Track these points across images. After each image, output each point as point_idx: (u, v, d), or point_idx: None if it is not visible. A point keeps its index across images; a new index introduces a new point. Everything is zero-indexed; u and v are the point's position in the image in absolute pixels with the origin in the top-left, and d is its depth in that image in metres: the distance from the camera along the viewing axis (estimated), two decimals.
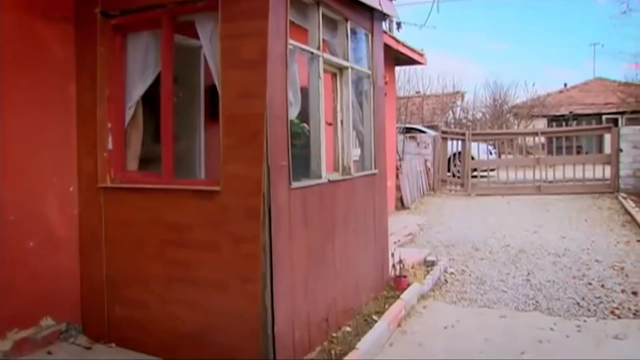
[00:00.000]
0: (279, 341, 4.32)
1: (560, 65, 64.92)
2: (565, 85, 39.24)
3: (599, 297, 6.63)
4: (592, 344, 5.28)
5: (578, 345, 5.27)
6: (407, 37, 15.29)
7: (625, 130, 17.26)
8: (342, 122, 5.83)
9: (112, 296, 5.01)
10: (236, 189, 4.30)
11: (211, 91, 6.14)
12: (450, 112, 32.22)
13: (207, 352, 4.44)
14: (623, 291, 6.90)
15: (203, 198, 4.46)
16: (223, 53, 4.33)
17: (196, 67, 6.29)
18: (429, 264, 7.87)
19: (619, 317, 6.03)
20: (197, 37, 4.87)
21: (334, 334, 5.24)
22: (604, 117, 32.49)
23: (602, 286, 7.07)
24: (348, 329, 5.43)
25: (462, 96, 33.90)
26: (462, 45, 61.46)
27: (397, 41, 11.32)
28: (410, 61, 13.70)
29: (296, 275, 4.65)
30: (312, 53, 5.06)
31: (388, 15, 6.75)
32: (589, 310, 6.25)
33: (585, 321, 5.90)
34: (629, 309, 6.26)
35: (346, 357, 4.58)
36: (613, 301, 6.52)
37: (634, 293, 6.79)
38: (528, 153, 19.82)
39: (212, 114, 6.24)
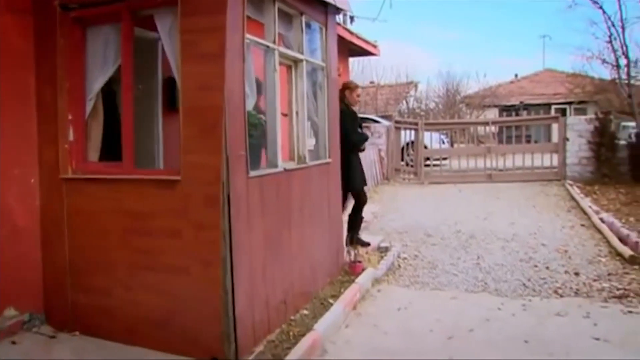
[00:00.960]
0: (239, 323, 4.50)
1: (512, 56, 66.15)
2: (516, 75, 40.13)
3: (543, 278, 6.97)
4: (535, 321, 5.59)
5: (523, 322, 5.58)
6: (362, 29, 15.53)
7: (571, 120, 17.83)
8: (297, 112, 6.00)
9: (75, 285, 5.09)
10: (196, 178, 4.46)
11: (169, 83, 6.30)
12: (404, 102, 32.63)
13: (171, 335, 4.59)
14: (566, 272, 7.26)
15: (164, 187, 4.60)
16: (182, 47, 4.47)
17: (154, 59, 6.40)
18: (382, 250, 8.14)
19: (561, 296, 6.37)
20: (155, 29, 5.00)
21: (292, 317, 5.45)
22: (553, 107, 33.40)
23: (547, 268, 7.42)
24: (305, 312, 5.64)
25: (416, 86, 34.39)
26: (416, 36, 62.21)
27: (351, 33, 11.55)
28: (364, 52, 13.96)
29: (255, 260, 4.84)
30: (268, 46, 5.22)
31: (341, 9, 6.94)
32: (534, 290, 6.58)
33: (530, 300, 6.23)
34: (571, 288, 6.62)
35: (304, 338, 4.79)
36: (556, 281, 6.87)
37: (576, 274, 7.16)
38: (480, 142, 20.28)
39: (169, 105, 6.40)
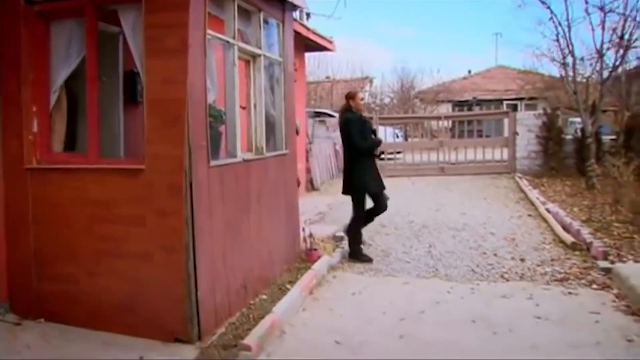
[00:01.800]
0: (202, 306, 4.73)
1: (466, 52, 67.06)
2: (470, 71, 40.89)
3: (491, 264, 7.32)
4: (483, 303, 5.93)
5: (471, 304, 5.90)
6: (318, 24, 15.67)
7: (520, 115, 18.45)
8: (255, 105, 6.22)
9: (40, 273, 5.21)
10: (160, 167, 4.65)
11: (129, 76, 6.43)
12: None
13: (136, 319, 4.77)
14: (512, 259, 7.63)
15: (128, 176, 4.78)
16: (146, 42, 4.65)
17: (114, 52, 6.52)
18: (337, 239, 8.40)
19: (507, 280, 6.72)
20: (116, 23, 5.16)
21: (252, 301, 5.69)
22: (504, 102, 34.11)
23: (495, 255, 7.78)
24: (264, 296, 5.88)
25: (371, 81, 34.75)
26: (371, 32, 62.57)
27: (308, 29, 11.73)
28: (320, 48, 14.14)
29: (216, 246, 5.06)
30: (228, 42, 5.43)
31: (298, 6, 7.18)
32: (482, 275, 6.93)
33: (478, 285, 6.57)
34: (516, 273, 6.98)
35: (263, 320, 5.01)
36: (503, 267, 7.23)
37: (522, 260, 7.54)
38: (433, 136, 20.74)
39: (130, 97, 6.53)
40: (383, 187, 7.91)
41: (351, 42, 44.99)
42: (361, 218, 7.87)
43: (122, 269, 4.83)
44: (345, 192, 7.90)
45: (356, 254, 7.72)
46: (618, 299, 5.90)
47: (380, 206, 7.92)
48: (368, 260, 7.60)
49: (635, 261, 7.10)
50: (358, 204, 7.81)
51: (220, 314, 5.08)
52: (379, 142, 7.98)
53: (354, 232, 7.86)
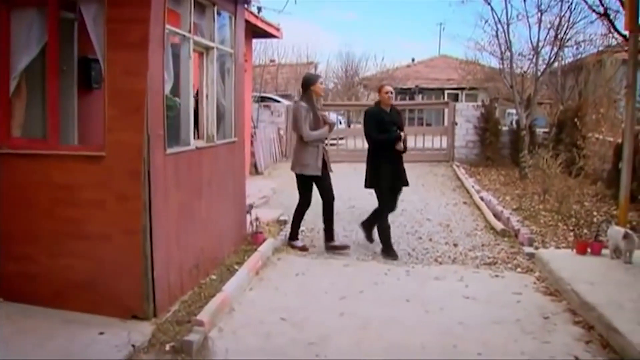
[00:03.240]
0: (157, 285, 5.06)
1: (411, 39, 67.81)
2: (413, 60, 41.55)
3: (426, 249, 7.83)
4: (417, 284, 6.42)
5: (406, 285, 6.40)
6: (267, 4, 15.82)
7: (460, 106, 19.11)
8: (207, 96, 6.50)
9: (1, 254, 5.33)
10: (120, 154, 4.92)
11: (84, 62, 6.62)
12: None
13: (95, 297, 5.02)
14: (446, 243, 8.17)
15: (90, 162, 5.01)
16: (109, 35, 4.88)
17: (70, 39, 6.67)
18: (282, 223, 8.79)
19: (440, 264, 7.25)
20: (72, 10, 5.37)
21: (202, 281, 6.03)
22: (446, 92, 34.90)
23: (430, 240, 8.30)
24: (214, 276, 6.22)
25: (316, 66, 34.93)
26: (317, 16, 62.53)
27: (256, 16, 11.99)
28: (267, 34, 14.43)
29: (170, 228, 5.38)
30: (184, 36, 5.71)
31: (250, 0, 7.49)
32: (417, 259, 7.44)
33: (413, 267, 7.07)
34: (449, 256, 7.52)
35: (214, 298, 5.36)
36: (437, 251, 7.76)
37: (455, 245, 8.08)
38: None
39: (85, 84, 6.72)
40: (399, 185, 7.96)
41: (296, 25, 45.11)
42: (384, 212, 7.85)
43: (82, 249, 5.06)
44: (366, 185, 7.99)
45: (388, 252, 7.60)
46: (539, 281, 6.49)
47: (386, 205, 7.89)
48: (395, 256, 7.49)
49: (557, 247, 7.73)
50: (378, 198, 7.87)
51: (174, 292, 5.41)
52: (398, 137, 7.65)
53: (382, 229, 7.80)
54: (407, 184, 8.09)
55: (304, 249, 7.75)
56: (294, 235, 7.92)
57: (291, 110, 7.85)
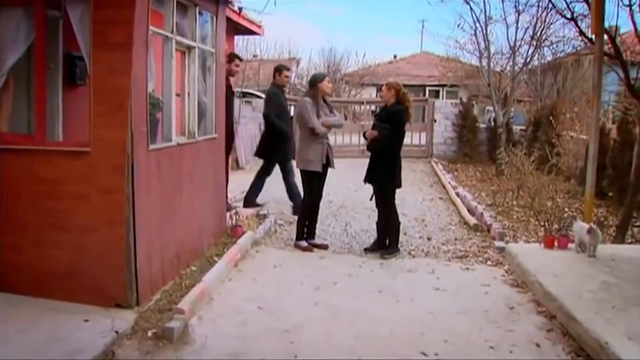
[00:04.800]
0: (140, 274, 5.28)
1: (394, 35, 68.00)
2: (395, 56, 41.77)
3: (400, 242, 8.01)
4: (390, 276, 6.70)
5: (379, 277, 6.68)
6: (248, 3, 15.91)
7: (439, 103, 19.46)
8: (189, 93, 6.70)
9: None
10: (104, 149, 5.12)
11: (68, 58, 6.78)
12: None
13: (79, 287, 5.21)
14: (420, 237, 8.44)
15: (75, 157, 5.20)
16: (94, 35, 5.07)
17: (55, 36, 6.82)
18: (261, 217, 8.98)
19: (413, 257, 7.52)
20: (57, 8, 5.55)
21: (183, 271, 6.25)
22: (427, 88, 35.14)
23: (405, 234, 8.48)
24: (194, 267, 6.44)
25: (298, 62, 35.03)
26: (301, 11, 62.50)
27: (238, 14, 12.14)
28: (249, 32, 14.59)
29: (153, 220, 5.59)
30: (167, 36, 5.92)
31: (231, 0, 7.70)
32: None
33: (387, 260, 7.31)
34: (422, 250, 7.79)
35: (194, 288, 5.58)
36: (411, 245, 8.02)
37: (429, 239, 8.35)
38: (357, 119, 21.46)
39: (69, 80, 6.89)
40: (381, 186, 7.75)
41: (279, 21, 45.20)
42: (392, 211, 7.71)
43: (67, 240, 5.24)
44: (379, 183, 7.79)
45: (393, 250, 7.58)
46: (507, 274, 6.79)
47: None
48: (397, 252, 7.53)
49: (527, 242, 8.05)
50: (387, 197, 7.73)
51: (156, 282, 5.64)
52: (382, 137, 7.53)
53: (393, 229, 7.68)
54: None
55: (307, 249, 7.67)
56: (299, 235, 7.83)
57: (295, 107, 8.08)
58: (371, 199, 7.83)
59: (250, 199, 9.62)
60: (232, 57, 9.46)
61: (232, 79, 9.66)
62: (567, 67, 18.27)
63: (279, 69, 9.90)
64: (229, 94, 9.06)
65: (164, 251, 5.84)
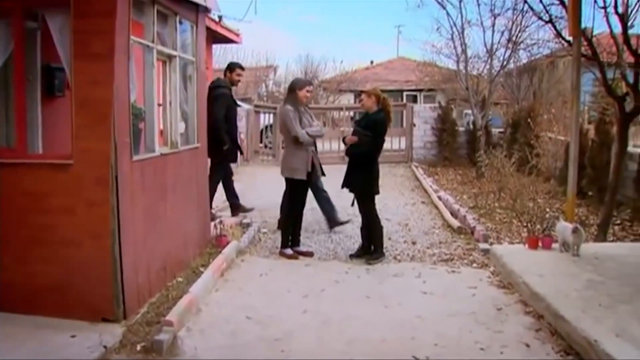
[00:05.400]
0: (127, 287, 5.22)
1: (370, 41, 68.27)
2: (372, 62, 41.93)
3: (385, 248, 7.98)
4: (376, 281, 6.69)
5: (366, 283, 6.67)
6: (226, 11, 15.89)
7: (418, 107, 19.57)
8: (170, 103, 6.67)
9: None
10: (88, 161, 5.06)
11: (47, 70, 6.72)
12: (264, 85, 33.27)
13: (66, 302, 5.12)
14: (405, 242, 8.44)
15: (58, 170, 5.14)
16: (75, 46, 5.02)
17: (33, 47, 6.76)
18: (244, 226, 8.94)
19: (399, 261, 7.52)
20: (35, 19, 5.50)
21: (169, 283, 6.20)
22: (405, 93, 35.29)
23: (389, 239, 8.50)
24: (180, 278, 6.39)
25: (275, 70, 35.07)
26: (278, 18, 62.53)
27: (216, 22, 12.13)
28: (227, 40, 14.59)
29: (138, 232, 5.54)
30: (148, 46, 5.88)
31: (211, 9, 7.67)
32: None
33: (373, 265, 7.30)
34: (408, 254, 7.79)
35: (182, 299, 5.53)
36: (396, 249, 8.02)
37: (413, 243, 8.36)
38: (336, 125, 21.48)
39: (48, 92, 6.82)
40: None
41: (257, 29, 45.08)
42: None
43: (52, 255, 5.17)
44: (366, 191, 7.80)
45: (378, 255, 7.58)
46: (493, 275, 6.82)
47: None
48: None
49: (511, 243, 8.10)
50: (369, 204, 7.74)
51: (142, 295, 5.58)
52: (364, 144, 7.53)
53: (376, 234, 7.72)
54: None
55: (293, 257, 7.65)
56: (284, 242, 7.81)
57: (277, 115, 7.88)
58: (352, 205, 7.83)
59: (236, 204, 9.54)
60: (233, 66, 9.45)
61: (234, 89, 9.59)
62: (543, 69, 18.44)
63: (230, 67, 9.53)
64: (232, 103, 9.03)
65: (150, 263, 5.79)
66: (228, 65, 9.63)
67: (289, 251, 7.72)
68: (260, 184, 13.46)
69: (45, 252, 5.20)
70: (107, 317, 5.13)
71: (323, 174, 8.08)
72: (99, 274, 5.13)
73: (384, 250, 7.68)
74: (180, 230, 6.68)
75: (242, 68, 9.64)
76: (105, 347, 4.65)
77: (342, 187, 7.79)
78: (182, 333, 5.06)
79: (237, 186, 12.78)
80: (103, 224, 5.09)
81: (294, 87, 7.80)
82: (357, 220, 8.28)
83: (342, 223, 8.79)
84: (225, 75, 9.40)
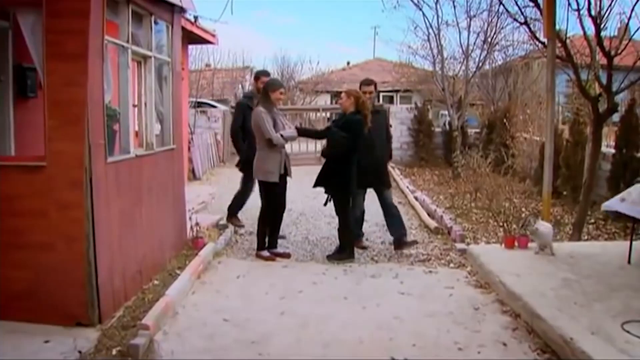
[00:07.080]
0: (102, 291, 5.14)
1: (346, 43, 68.45)
2: (348, 63, 41.99)
3: (363, 248, 8.07)
4: (354, 282, 6.68)
5: (343, 284, 6.65)
6: (202, 12, 15.77)
7: (394, 108, 19.62)
8: (145, 104, 6.61)
9: None
10: (61, 163, 4.97)
11: (19, 70, 6.64)
12: (240, 86, 33.17)
13: (40, 307, 5.03)
14: (382, 243, 8.46)
15: (30, 172, 5.05)
16: (48, 46, 4.94)
17: (4, 47, 6.66)
18: (221, 227, 8.88)
19: (376, 262, 7.53)
20: (5, 18, 5.41)
21: (145, 286, 6.13)
22: (381, 94, 35.33)
23: (367, 240, 8.51)
24: (156, 281, 6.32)
25: (251, 71, 34.92)
26: (252, 19, 62.47)
27: (192, 23, 12.02)
28: (203, 41, 14.48)
29: (113, 234, 5.47)
30: (123, 46, 5.81)
31: (186, 10, 7.62)
32: (355, 258, 7.64)
33: (350, 266, 7.30)
34: (385, 255, 7.80)
35: (158, 302, 5.46)
36: (373, 250, 8.03)
37: (391, 243, 8.32)
38: (312, 126, 21.46)
39: (20, 92, 6.74)
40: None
41: (233, 30, 44.99)
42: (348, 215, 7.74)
43: (25, 259, 5.06)
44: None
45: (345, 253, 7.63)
46: (470, 275, 6.85)
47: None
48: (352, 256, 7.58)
49: (487, 243, 8.14)
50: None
51: (118, 298, 5.51)
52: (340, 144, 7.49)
53: (345, 234, 7.73)
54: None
55: (270, 259, 7.60)
56: (260, 244, 7.75)
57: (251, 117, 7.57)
58: (325, 204, 7.83)
59: (234, 213, 9.45)
60: (258, 74, 9.03)
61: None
62: (518, 70, 18.56)
63: (256, 76, 9.12)
64: (248, 113, 8.21)
65: (126, 266, 5.72)
66: (254, 75, 9.30)
67: (265, 253, 7.67)
68: (236, 185, 13.34)
69: (17, 256, 5.09)
70: (82, 322, 5.05)
71: (289, 175, 7.93)
72: (73, 277, 5.05)
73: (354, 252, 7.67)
74: (156, 233, 6.61)
75: (267, 74, 9.08)
76: (80, 352, 4.59)
77: (315, 186, 7.81)
78: (159, 337, 5.00)
79: (214, 188, 12.85)
80: (77, 227, 5.01)
81: (266, 89, 7.69)
82: (334, 222, 8.26)
83: (410, 244, 8.04)
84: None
